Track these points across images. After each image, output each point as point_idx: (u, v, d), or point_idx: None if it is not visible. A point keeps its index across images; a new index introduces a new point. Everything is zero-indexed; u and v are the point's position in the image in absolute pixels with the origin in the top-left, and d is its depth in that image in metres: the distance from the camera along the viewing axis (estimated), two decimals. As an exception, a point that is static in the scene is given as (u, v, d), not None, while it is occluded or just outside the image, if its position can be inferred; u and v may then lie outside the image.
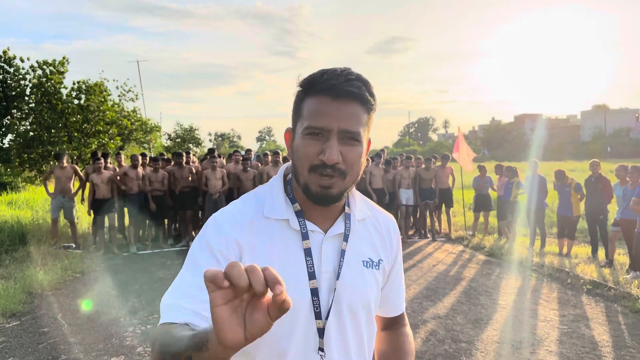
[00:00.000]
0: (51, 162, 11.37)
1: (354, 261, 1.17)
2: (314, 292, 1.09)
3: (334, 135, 1.04)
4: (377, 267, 1.21)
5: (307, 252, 1.10)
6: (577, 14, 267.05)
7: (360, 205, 1.23)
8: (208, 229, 1.11)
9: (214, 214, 1.14)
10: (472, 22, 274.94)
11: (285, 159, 10.36)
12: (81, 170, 12.29)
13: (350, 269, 1.15)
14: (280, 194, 1.16)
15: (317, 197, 1.07)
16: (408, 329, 1.38)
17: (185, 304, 0.97)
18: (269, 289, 0.66)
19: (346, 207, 1.19)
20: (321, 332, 1.10)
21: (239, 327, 0.68)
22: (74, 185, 9.86)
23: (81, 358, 4.54)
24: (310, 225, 1.13)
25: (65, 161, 9.65)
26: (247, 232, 1.10)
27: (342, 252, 1.14)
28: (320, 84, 1.06)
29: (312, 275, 1.10)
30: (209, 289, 0.66)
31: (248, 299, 0.69)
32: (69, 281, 7.41)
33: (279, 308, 0.66)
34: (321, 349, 1.10)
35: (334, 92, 1.04)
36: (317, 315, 1.10)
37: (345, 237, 1.16)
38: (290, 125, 1.16)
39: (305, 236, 1.11)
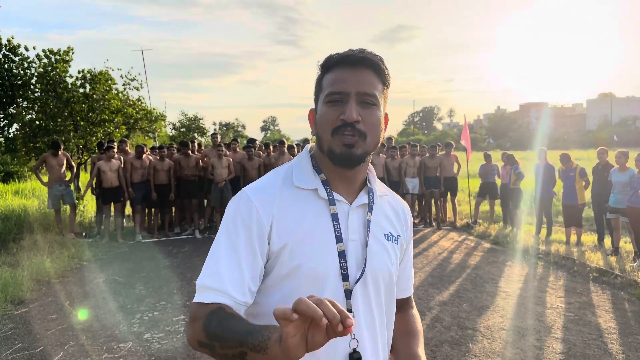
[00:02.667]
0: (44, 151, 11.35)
1: (377, 233, 1.23)
2: (342, 255, 1.14)
3: (352, 97, 1.11)
4: (396, 242, 1.27)
5: (334, 217, 1.16)
6: (585, 2, 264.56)
7: (379, 185, 1.30)
8: (241, 204, 1.16)
9: (244, 189, 1.20)
10: (478, 10, 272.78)
11: (290, 148, 10.37)
12: (87, 159, 12.30)
13: (375, 240, 1.21)
14: (308, 166, 1.22)
15: (341, 157, 1.12)
16: (415, 310, 1.44)
17: (222, 287, 1.07)
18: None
19: (367, 183, 1.25)
20: (348, 294, 1.14)
21: (303, 349, 0.80)
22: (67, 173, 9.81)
23: (89, 344, 4.57)
24: (336, 196, 1.18)
25: (61, 150, 9.56)
26: (278, 201, 1.15)
27: (368, 223, 1.20)
28: (337, 58, 1.16)
29: (339, 239, 1.15)
30: (282, 324, 0.78)
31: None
32: (75, 269, 7.46)
33: (340, 335, 0.77)
34: (349, 310, 1.14)
35: (349, 61, 1.14)
36: (345, 277, 1.14)
37: (370, 208, 1.22)
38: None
39: (332, 202, 1.17)
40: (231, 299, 1.07)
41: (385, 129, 1.21)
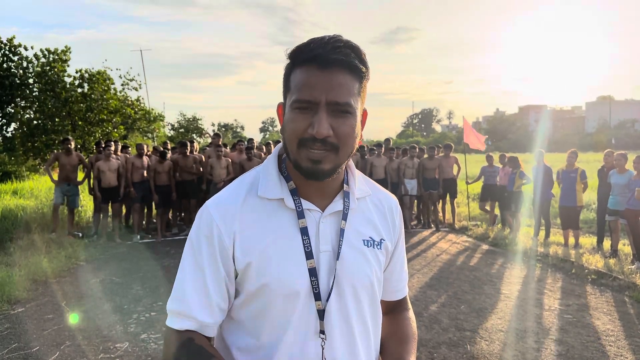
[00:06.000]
0: (55, 150, 11.32)
1: (355, 240, 1.13)
2: (312, 272, 1.05)
3: (322, 107, 0.99)
4: (379, 247, 1.17)
5: (304, 231, 1.07)
6: (584, 5, 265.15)
7: (360, 184, 1.19)
8: (202, 221, 1.09)
9: (207, 202, 1.12)
10: (477, 12, 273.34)
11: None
12: (85, 159, 12.28)
13: (351, 249, 1.11)
14: (274, 173, 1.12)
15: (307, 172, 1.02)
16: (411, 313, 1.33)
17: (189, 312, 1.06)
18: None
19: (345, 185, 1.15)
20: (321, 313, 1.06)
21: None
22: (79, 174, 9.82)
23: (85, 344, 4.55)
24: (306, 204, 1.09)
25: (72, 147, 9.52)
26: (240, 215, 1.07)
27: (342, 232, 1.10)
28: (306, 53, 1.01)
29: (309, 255, 1.06)
30: None
31: None
32: (72, 269, 7.42)
33: None
34: (322, 332, 1.06)
35: (320, 62, 0.99)
36: (317, 297, 1.06)
37: (344, 216, 1.11)
38: (281, 99, 1.12)
39: (300, 215, 1.08)
40: (199, 323, 1.05)
41: (362, 127, 1.10)
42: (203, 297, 1.06)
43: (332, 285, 1.07)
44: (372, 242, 1.15)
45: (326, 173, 1.02)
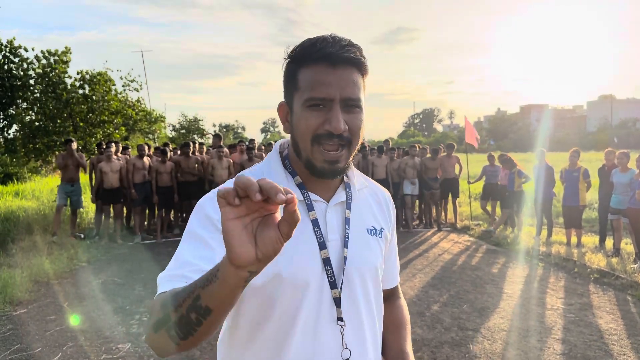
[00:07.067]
0: (57, 151, 11.34)
1: (359, 229, 1.17)
2: (327, 262, 1.08)
3: (336, 104, 1.02)
4: (379, 235, 1.22)
5: (315, 223, 1.10)
6: (585, 4, 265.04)
7: (357, 176, 1.24)
8: (206, 202, 1.08)
9: (214, 190, 1.10)
10: (478, 12, 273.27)
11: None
12: (87, 160, 12.29)
13: (357, 237, 1.15)
14: (278, 168, 1.15)
15: (322, 172, 1.06)
16: (403, 301, 1.40)
17: (185, 273, 0.92)
18: (278, 207, 0.67)
19: (345, 177, 1.20)
20: (338, 301, 1.09)
21: (250, 244, 0.68)
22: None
23: (87, 345, 4.55)
24: (312, 196, 1.12)
25: (74, 147, 9.52)
26: None
27: (347, 220, 1.14)
28: (316, 52, 1.03)
29: (322, 246, 1.09)
30: (220, 204, 0.66)
31: (259, 217, 0.69)
32: (74, 270, 7.42)
33: (290, 219, 0.66)
34: (340, 319, 1.09)
35: (331, 60, 1.02)
36: (333, 285, 1.09)
37: (348, 205, 1.16)
38: (282, 99, 1.14)
39: (310, 207, 1.11)
40: (194, 272, 0.90)
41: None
42: (204, 252, 0.97)
43: (344, 273, 1.10)
44: (374, 230, 1.20)
45: (341, 171, 1.07)
